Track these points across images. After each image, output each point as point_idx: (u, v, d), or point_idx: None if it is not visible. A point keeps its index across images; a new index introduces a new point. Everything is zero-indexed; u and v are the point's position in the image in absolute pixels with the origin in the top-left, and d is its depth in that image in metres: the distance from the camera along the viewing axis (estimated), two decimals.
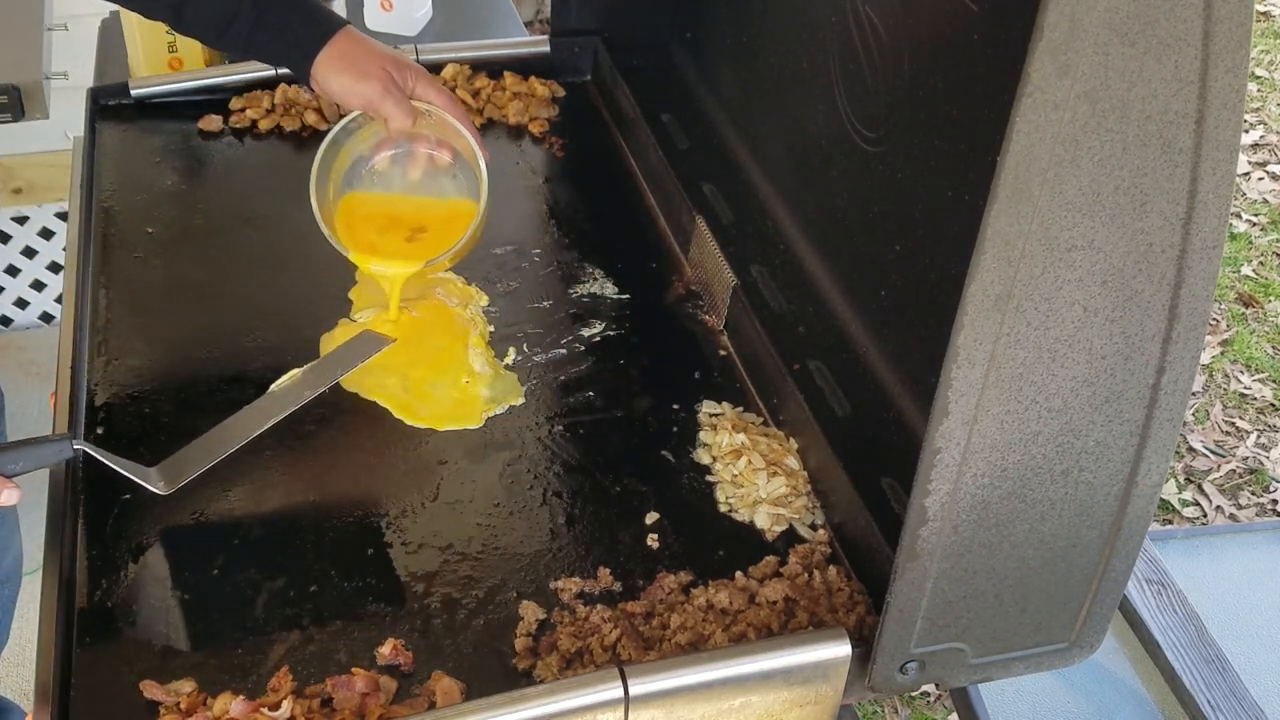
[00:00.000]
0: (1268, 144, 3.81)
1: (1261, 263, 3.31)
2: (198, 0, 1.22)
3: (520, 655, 0.96)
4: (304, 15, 1.23)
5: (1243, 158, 3.69)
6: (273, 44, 1.24)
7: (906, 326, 1.08)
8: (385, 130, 1.25)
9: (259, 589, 0.99)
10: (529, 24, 3.64)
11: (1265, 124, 3.90)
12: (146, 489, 1.00)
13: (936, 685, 0.96)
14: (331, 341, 1.22)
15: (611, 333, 1.27)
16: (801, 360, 1.16)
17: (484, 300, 1.29)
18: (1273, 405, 2.86)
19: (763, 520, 1.08)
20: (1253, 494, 2.63)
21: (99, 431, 1.11)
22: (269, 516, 1.05)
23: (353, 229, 1.25)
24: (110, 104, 1.50)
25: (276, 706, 0.89)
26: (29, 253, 2.60)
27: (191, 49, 1.66)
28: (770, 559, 1.04)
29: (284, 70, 1.51)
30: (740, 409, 1.19)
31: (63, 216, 2.56)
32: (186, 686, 0.91)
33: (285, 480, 1.09)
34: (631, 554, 1.05)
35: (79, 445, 0.98)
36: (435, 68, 1.57)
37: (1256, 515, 2.58)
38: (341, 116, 1.26)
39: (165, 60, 1.66)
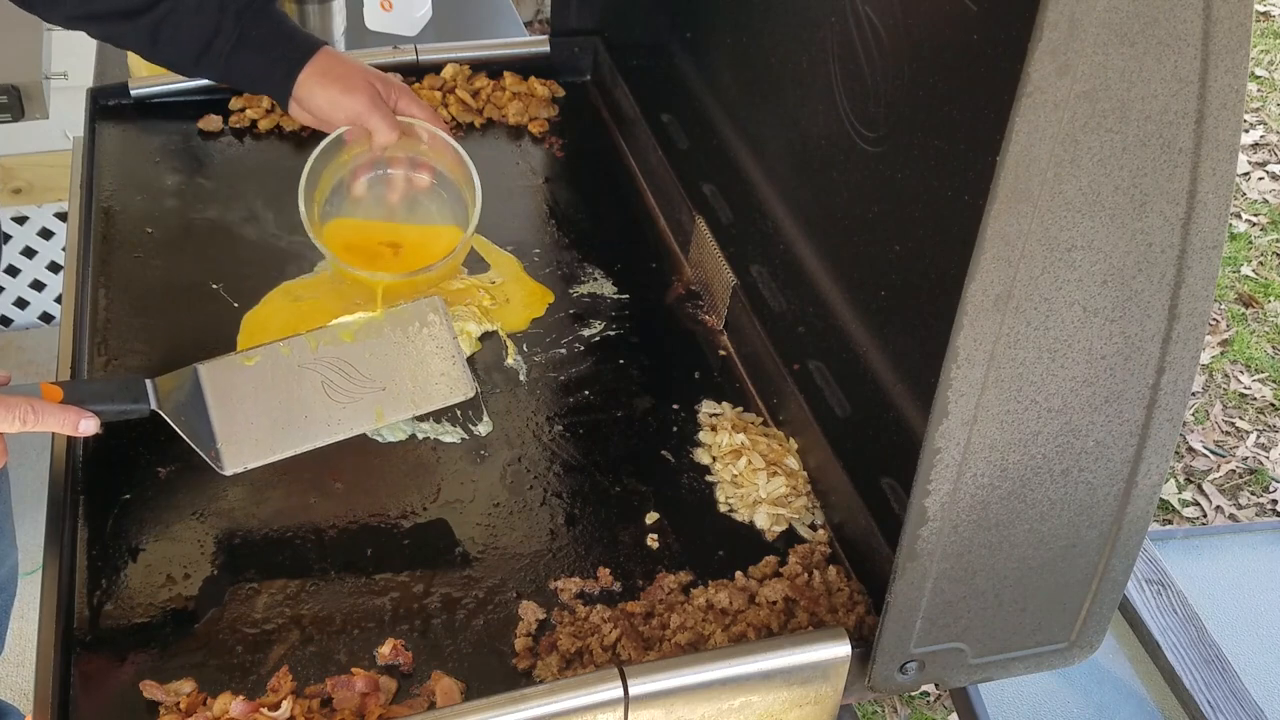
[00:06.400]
0: (1268, 144, 3.81)
1: (1261, 263, 3.31)
2: (176, 20, 1.19)
3: (520, 655, 0.96)
4: (286, 33, 1.22)
5: (1243, 158, 3.69)
6: (255, 60, 1.21)
7: (906, 326, 1.08)
8: (368, 148, 1.22)
9: (259, 589, 0.99)
10: (529, 24, 3.64)
11: (1265, 124, 3.90)
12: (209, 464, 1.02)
13: (936, 685, 0.96)
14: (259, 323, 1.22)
15: (611, 333, 1.27)
16: (801, 360, 1.16)
17: (488, 300, 1.29)
18: (1273, 405, 2.86)
19: (762, 520, 1.08)
20: (1253, 494, 2.63)
21: (99, 432, 1.10)
22: (269, 516, 1.05)
23: (338, 253, 1.21)
24: (110, 104, 1.50)
25: (276, 706, 0.89)
26: (29, 253, 2.60)
27: None
28: (770, 559, 1.04)
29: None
30: (740, 409, 1.19)
31: (63, 216, 2.56)
32: (186, 686, 0.91)
33: (285, 480, 1.09)
34: (631, 554, 1.05)
35: (154, 409, 1.02)
36: (435, 68, 1.57)
37: (1256, 515, 2.58)
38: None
39: None
